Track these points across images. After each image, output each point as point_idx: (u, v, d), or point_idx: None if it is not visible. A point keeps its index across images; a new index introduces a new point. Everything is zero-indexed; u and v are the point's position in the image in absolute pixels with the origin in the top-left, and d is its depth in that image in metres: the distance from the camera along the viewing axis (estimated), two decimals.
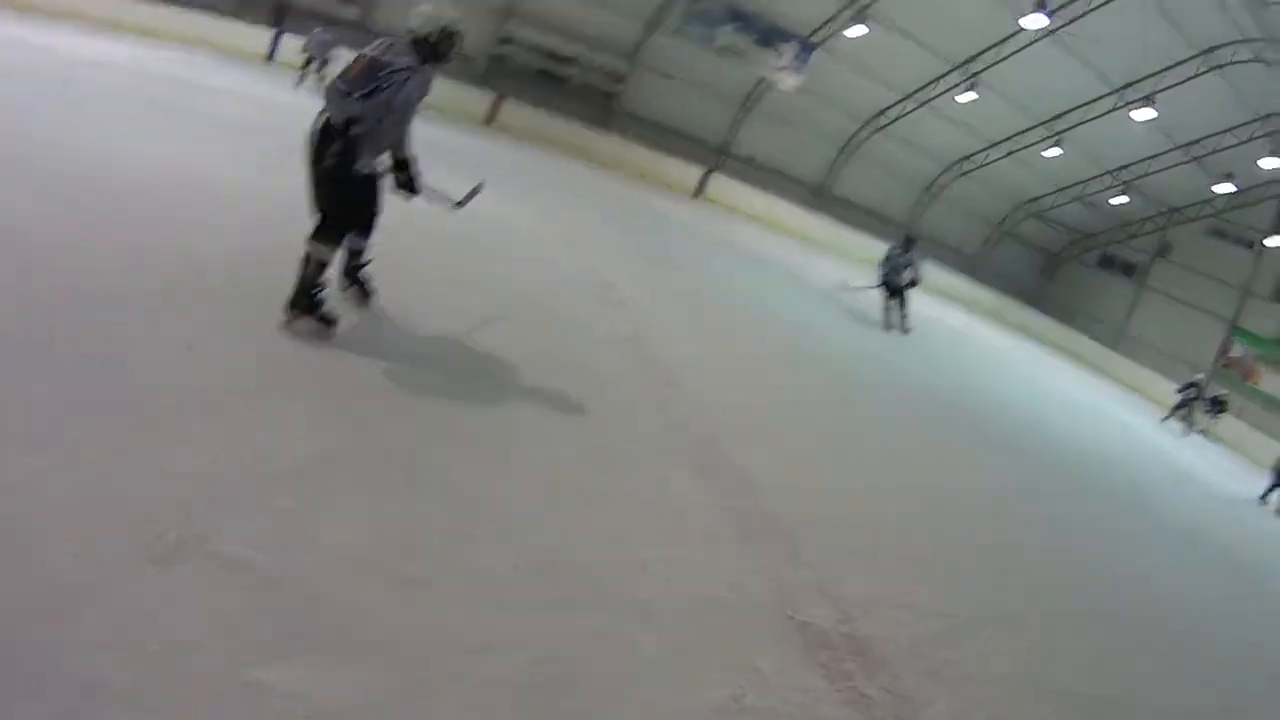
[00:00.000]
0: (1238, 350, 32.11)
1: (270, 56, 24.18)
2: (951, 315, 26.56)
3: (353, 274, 6.15)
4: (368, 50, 5.29)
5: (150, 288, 5.28)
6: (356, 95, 5.10)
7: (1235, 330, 32.53)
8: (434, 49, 5.49)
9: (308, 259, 5.29)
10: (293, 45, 22.25)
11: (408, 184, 5.74)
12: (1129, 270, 38.27)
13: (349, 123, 5.12)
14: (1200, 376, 25.71)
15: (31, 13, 20.20)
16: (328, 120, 5.16)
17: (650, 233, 17.31)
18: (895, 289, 15.33)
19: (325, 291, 5.40)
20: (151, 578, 2.85)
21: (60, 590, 2.67)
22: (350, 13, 28.07)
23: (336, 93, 5.12)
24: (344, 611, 3.05)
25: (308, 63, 20.30)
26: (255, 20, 25.30)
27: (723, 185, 30.49)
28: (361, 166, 5.23)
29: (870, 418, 9.31)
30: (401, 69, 5.26)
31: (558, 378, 6.20)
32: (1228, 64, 25.99)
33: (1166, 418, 23.24)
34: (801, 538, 5.01)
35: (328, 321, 5.32)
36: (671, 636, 3.67)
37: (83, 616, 2.62)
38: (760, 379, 9.06)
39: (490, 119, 27.12)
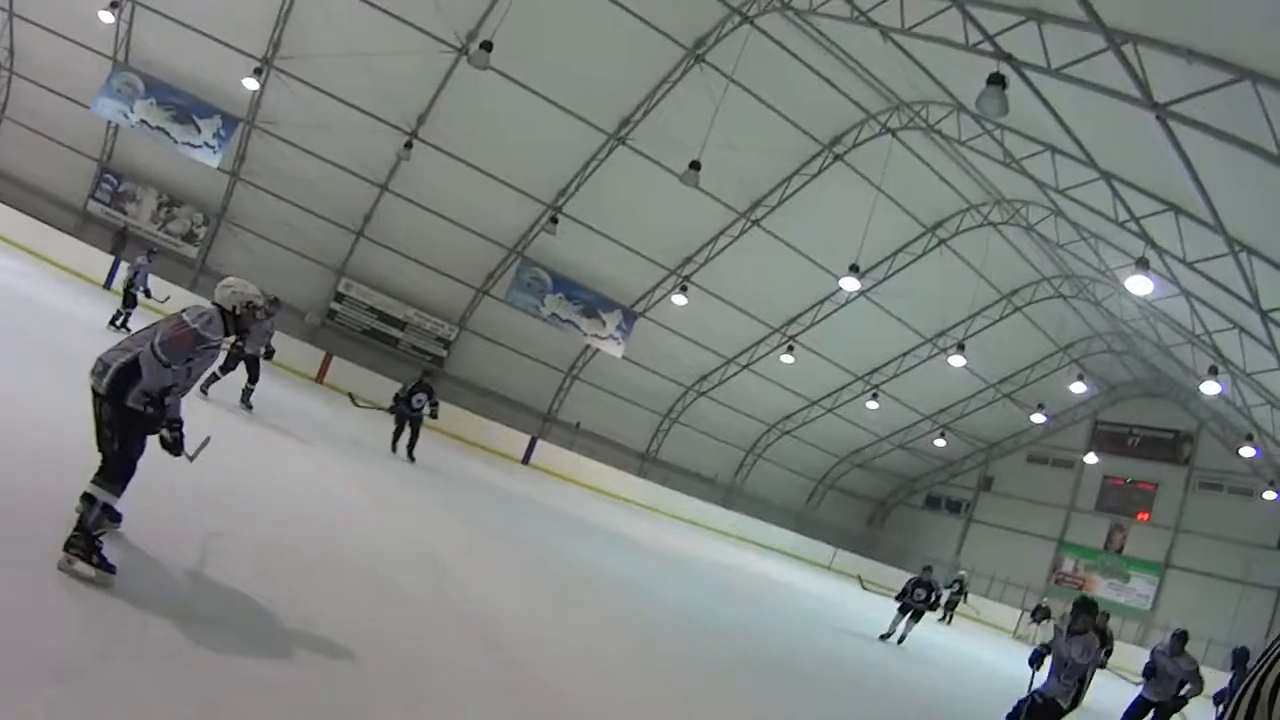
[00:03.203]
0: (1068, 564, 38.71)
1: (108, 284, 26.68)
2: (778, 569, 29.84)
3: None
4: (189, 321, 5.95)
5: None
6: (175, 367, 5.82)
7: (1064, 546, 39.21)
8: (237, 322, 6.44)
9: (91, 501, 5.54)
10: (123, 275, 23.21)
11: (176, 443, 6.08)
12: (955, 507, 44.54)
13: (164, 390, 5.80)
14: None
15: None
16: (130, 370, 5.67)
17: (482, 502, 18.35)
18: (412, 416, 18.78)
19: (104, 537, 5.55)
20: None
21: None
22: (190, 250, 32.30)
23: (156, 361, 5.67)
24: None
25: (129, 296, 20.31)
26: (96, 243, 28.99)
27: (550, 452, 33.58)
28: (162, 431, 5.92)
29: (713, 673, 10.05)
30: (214, 345, 6.16)
31: (404, 657, 6.31)
32: (1030, 303, 32.68)
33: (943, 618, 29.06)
34: None
35: (108, 569, 5.36)
36: None
37: None
38: (603, 654, 9.16)
39: (321, 377, 29.83)
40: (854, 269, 26.23)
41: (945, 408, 39.56)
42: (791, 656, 13.03)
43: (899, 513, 47.01)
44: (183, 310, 6.13)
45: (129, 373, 5.69)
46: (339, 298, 33.70)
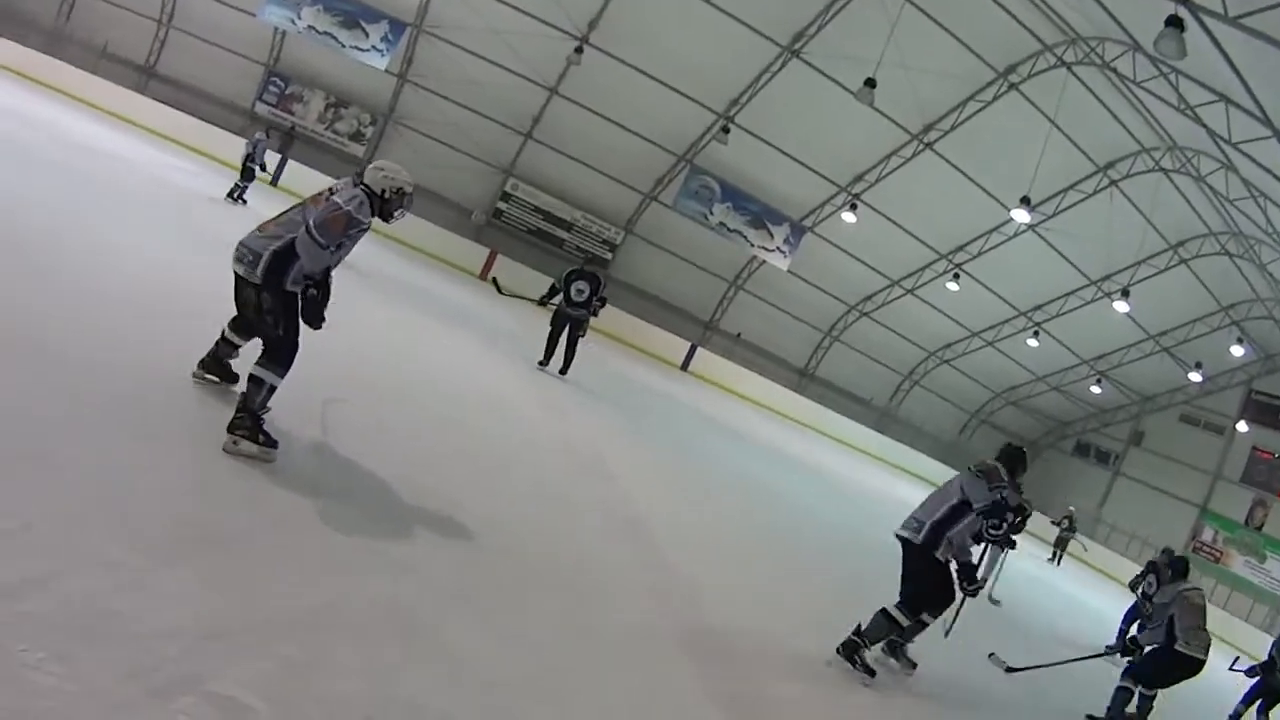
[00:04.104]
0: (1207, 533, 37.96)
1: (275, 182, 27.84)
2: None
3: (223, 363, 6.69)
4: (342, 204, 6.04)
5: (139, 400, 5.78)
6: (331, 249, 6.04)
7: (1206, 514, 38.38)
8: (385, 206, 6.40)
9: (259, 383, 5.87)
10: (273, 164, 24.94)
11: (318, 315, 6.33)
12: (1104, 458, 43.83)
13: (326, 272, 6.21)
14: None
15: (43, 90, 25.84)
16: (286, 254, 5.95)
17: (640, 406, 18.59)
18: None
19: (268, 415, 5.95)
20: (145, 711, 2.99)
21: (43, 712, 2.79)
22: (357, 149, 34.28)
23: (314, 244, 5.90)
24: None
25: (247, 171, 21.16)
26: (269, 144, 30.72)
27: (708, 360, 34.77)
28: (323, 310, 6.25)
29: (862, 593, 9.57)
30: (365, 226, 6.25)
31: (548, 550, 6.61)
32: (1196, 257, 32.13)
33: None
34: None
35: (271, 444, 5.74)
36: None
37: None
38: (754, 559, 9.54)
39: (484, 274, 30.88)
40: (1025, 201, 26.43)
41: (1103, 354, 39.04)
42: None
43: (1048, 456, 46.17)
44: (330, 191, 6.27)
45: (285, 257, 5.98)
46: (505, 197, 35.30)
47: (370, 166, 6.47)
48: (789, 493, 15.83)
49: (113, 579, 3.61)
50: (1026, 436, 45.56)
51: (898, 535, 7.23)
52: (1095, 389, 40.66)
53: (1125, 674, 9.39)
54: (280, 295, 6.03)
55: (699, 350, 34.78)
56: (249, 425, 5.74)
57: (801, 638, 7.16)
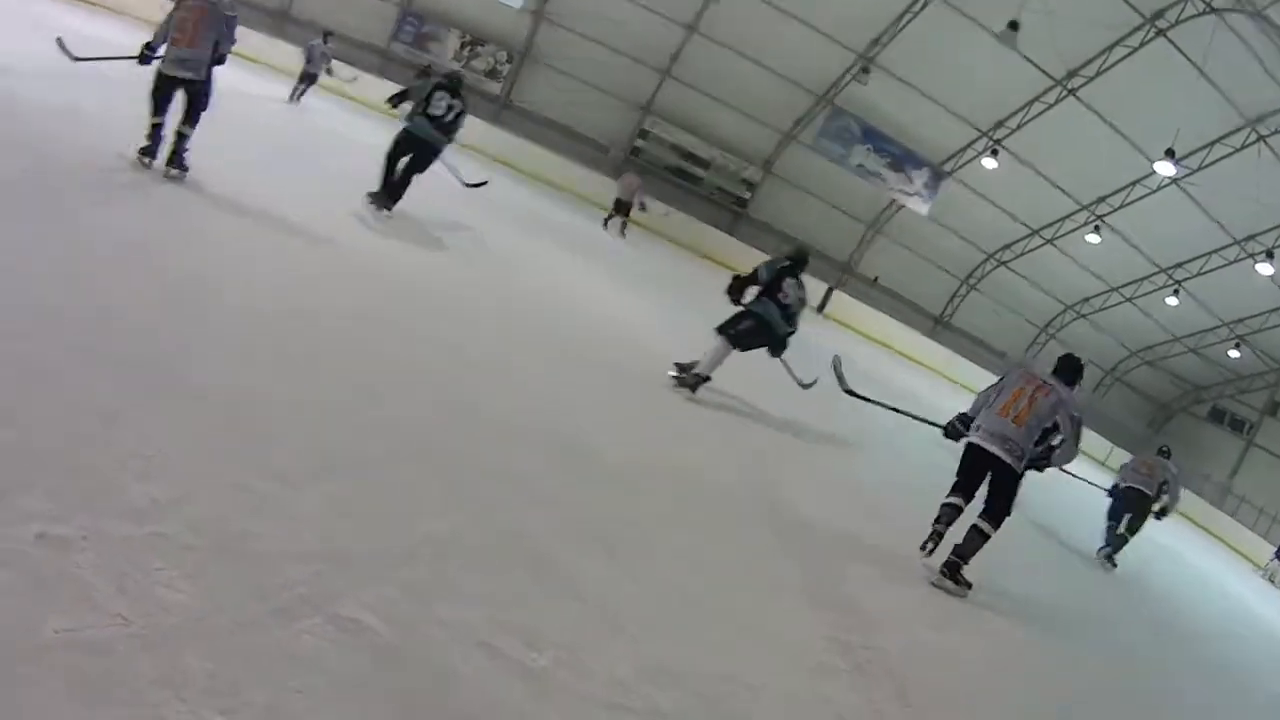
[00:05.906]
0: None
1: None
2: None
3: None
4: (229, 8, 9.40)
5: (267, 328, 6.45)
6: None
7: None
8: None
9: (186, 137, 9.14)
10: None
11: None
12: (1238, 426, 41.93)
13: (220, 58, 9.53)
14: None
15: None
16: (220, 58, 9.50)
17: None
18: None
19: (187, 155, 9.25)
20: (270, 630, 3.17)
21: (171, 627, 2.95)
22: (494, 86, 35.37)
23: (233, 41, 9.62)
24: (467, 695, 3.39)
25: (307, 75, 24.15)
26: (401, 81, 31.37)
27: (845, 303, 35.19)
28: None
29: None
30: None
31: (676, 484, 6.94)
32: None
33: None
34: (910, 676, 5.40)
35: (184, 168, 9.14)
36: None
37: (189, 657, 2.88)
38: (889, 510, 9.59)
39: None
40: (1169, 153, 26.14)
41: (1243, 318, 37.47)
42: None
43: (1180, 421, 44.73)
44: (211, 5, 9.18)
45: (217, 59, 9.39)
46: (643, 134, 36.04)
47: None
48: (921, 443, 14.73)
49: (243, 502, 3.91)
50: (1160, 399, 44.82)
51: (995, 455, 7.59)
52: (1233, 353, 39.11)
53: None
54: (211, 79, 9.42)
55: (835, 293, 35.20)
56: (182, 163, 9.08)
57: (927, 589, 7.37)
